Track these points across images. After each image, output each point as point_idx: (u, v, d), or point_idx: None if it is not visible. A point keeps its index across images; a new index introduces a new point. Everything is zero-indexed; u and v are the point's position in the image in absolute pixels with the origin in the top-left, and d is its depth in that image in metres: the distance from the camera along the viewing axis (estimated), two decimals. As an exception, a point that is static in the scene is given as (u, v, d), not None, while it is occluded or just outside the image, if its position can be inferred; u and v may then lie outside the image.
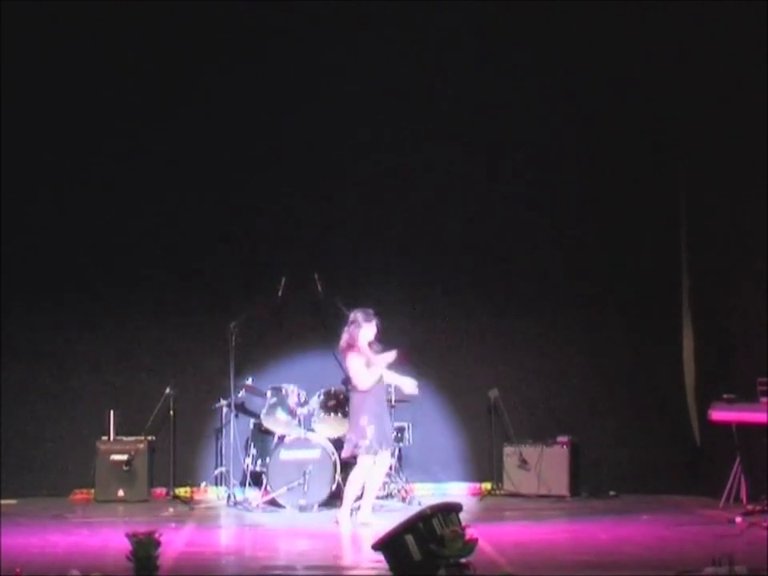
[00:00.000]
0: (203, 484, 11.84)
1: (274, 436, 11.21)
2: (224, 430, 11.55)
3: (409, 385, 10.45)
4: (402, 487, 11.19)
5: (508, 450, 11.73)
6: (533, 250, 12.19)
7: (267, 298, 11.50)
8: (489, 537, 8.64)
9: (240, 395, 11.45)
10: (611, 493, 11.54)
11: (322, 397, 11.16)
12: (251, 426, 11.48)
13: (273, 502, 10.88)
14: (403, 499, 11.12)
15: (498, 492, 11.74)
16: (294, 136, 12.06)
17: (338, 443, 10.96)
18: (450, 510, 7.64)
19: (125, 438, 11.64)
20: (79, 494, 11.68)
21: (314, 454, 10.89)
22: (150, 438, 11.66)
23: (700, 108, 11.52)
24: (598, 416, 11.98)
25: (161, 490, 11.72)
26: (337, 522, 10.03)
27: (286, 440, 11.02)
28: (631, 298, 12.14)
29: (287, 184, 12.11)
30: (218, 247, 12.11)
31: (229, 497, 11.15)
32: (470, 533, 7.27)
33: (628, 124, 11.95)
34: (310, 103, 12.00)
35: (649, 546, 8.60)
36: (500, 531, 9.37)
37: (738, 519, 9.44)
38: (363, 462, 10.05)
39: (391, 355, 10.16)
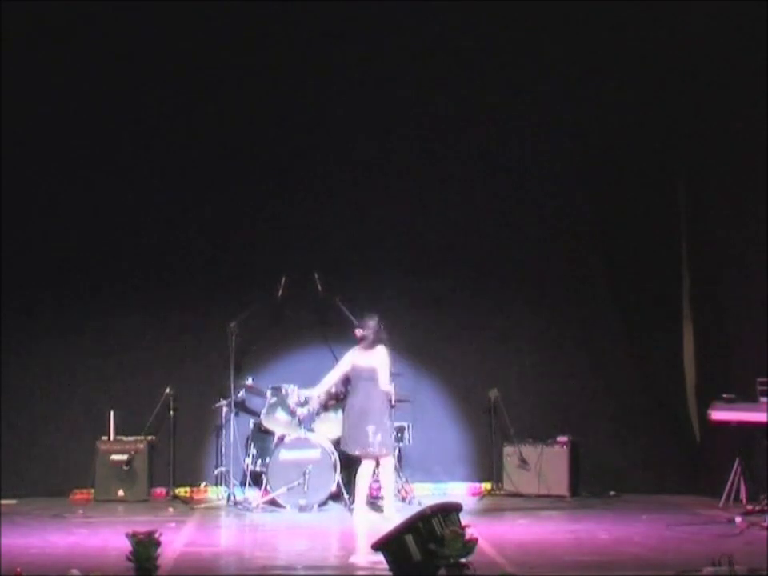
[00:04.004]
0: (203, 484, 11.84)
1: (273, 436, 11.22)
2: (224, 430, 11.55)
3: None
4: (402, 487, 11.19)
5: (508, 449, 11.72)
6: (533, 250, 12.20)
7: (267, 298, 11.51)
8: (489, 537, 8.65)
9: (240, 395, 11.46)
10: (611, 493, 11.54)
11: (322, 397, 11.17)
12: (251, 425, 11.48)
13: (273, 502, 10.88)
14: (403, 499, 11.12)
15: (498, 492, 11.74)
16: (295, 135, 12.06)
17: (338, 443, 10.96)
18: (450, 510, 7.64)
19: (125, 438, 11.65)
20: (79, 494, 11.67)
21: (313, 454, 10.89)
22: (150, 437, 11.67)
23: (701, 107, 11.52)
24: (597, 416, 11.98)
25: (161, 490, 11.72)
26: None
27: (286, 440, 11.03)
28: (631, 298, 12.14)
29: (288, 184, 12.12)
30: (218, 247, 12.11)
31: (229, 497, 11.15)
32: (470, 533, 7.28)
33: (629, 123, 11.93)
34: (310, 103, 12.00)
35: (649, 546, 8.61)
36: (500, 531, 9.37)
37: (738, 519, 9.45)
38: (390, 460, 10.51)
39: None
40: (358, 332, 10.64)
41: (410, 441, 11.34)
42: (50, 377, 11.90)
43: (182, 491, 11.71)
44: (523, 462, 11.57)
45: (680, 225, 12.21)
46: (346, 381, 11.03)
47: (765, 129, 10.48)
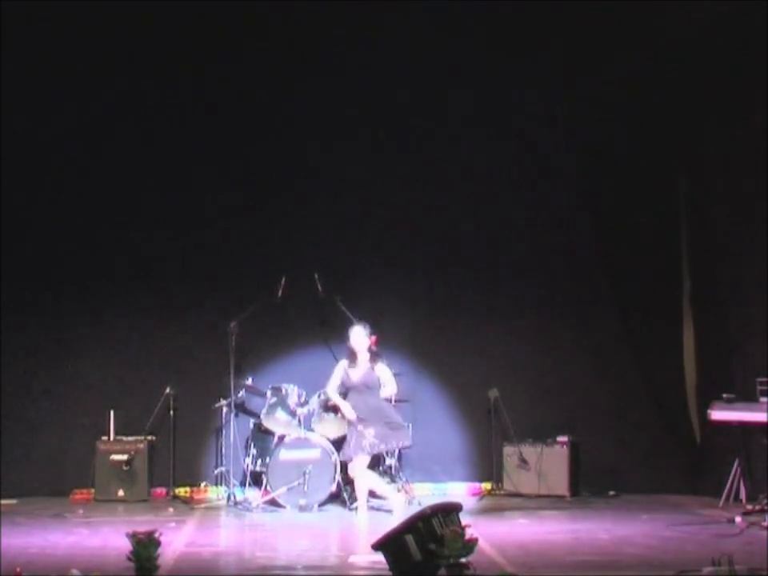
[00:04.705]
0: (203, 484, 11.84)
1: (274, 436, 11.22)
2: (224, 430, 11.55)
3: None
4: (402, 487, 11.18)
5: (508, 449, 11.72)
6: (533, 250, 12.19)
7: (267, 298, 11.51)
8: (489, 537, 8.65)
9: (240, 395, 11.46)
10: (611, 493, 11.54)
11: (322, 397, 11.17)
12: (251, 425, 11.48)
13: (273, 502, 10.88)
14: (403, 499, 11.12)
15: (498, 492, 11.74)
16: (295, 135, 12.06)
17: (338, 443, 10.96)
18: (450, 510, 7.65)
19: (125, 438, 11.64)
20: (79, 494, 11.66)
21: (314, 453, 10.90)
22: (150, 437, 11.66)
23: (701, 106, 11.52)
24: (597, 416, 11.97)
25: (161, 490, 11.71)
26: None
27: (286, 440, 11.03)
28: (631, 298, 12.13)
29: (287, 184, 12.11)
30: (218, 247, 12.10)
31: (229, 497, 11.15)
32: (470, 533, 7.28)
33: (629, 122, 11.93)
34: (308, 102, 11.99)
35: (649, 546, 8.61)
36: (500, 531, 9.37)
37: (738, 519, 9.46)
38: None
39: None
40: (368, 341, 10.69)
41: (410, 441, 11.33)
42: (50, 377, 11.89)
43: (182, 491, 11.71)
44: (523, 462, 11.57)
45: (680, 224, 12.21)
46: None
47: (765, 129, 10.48)
